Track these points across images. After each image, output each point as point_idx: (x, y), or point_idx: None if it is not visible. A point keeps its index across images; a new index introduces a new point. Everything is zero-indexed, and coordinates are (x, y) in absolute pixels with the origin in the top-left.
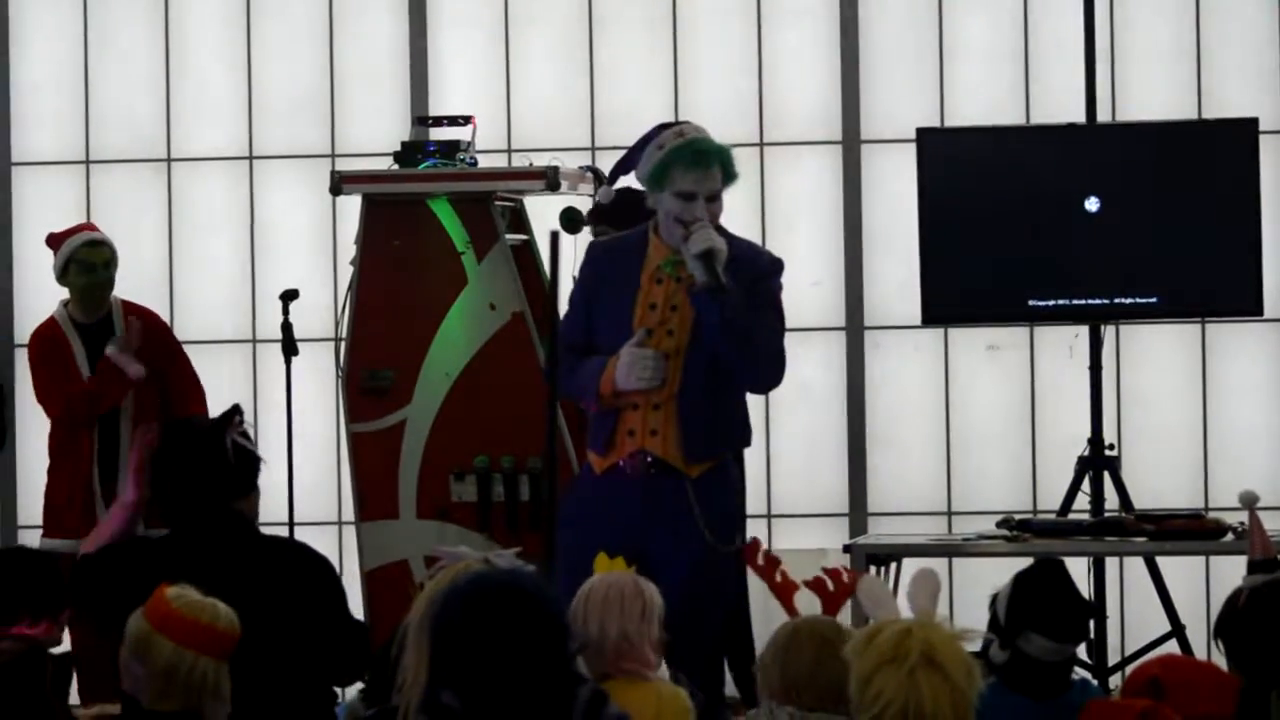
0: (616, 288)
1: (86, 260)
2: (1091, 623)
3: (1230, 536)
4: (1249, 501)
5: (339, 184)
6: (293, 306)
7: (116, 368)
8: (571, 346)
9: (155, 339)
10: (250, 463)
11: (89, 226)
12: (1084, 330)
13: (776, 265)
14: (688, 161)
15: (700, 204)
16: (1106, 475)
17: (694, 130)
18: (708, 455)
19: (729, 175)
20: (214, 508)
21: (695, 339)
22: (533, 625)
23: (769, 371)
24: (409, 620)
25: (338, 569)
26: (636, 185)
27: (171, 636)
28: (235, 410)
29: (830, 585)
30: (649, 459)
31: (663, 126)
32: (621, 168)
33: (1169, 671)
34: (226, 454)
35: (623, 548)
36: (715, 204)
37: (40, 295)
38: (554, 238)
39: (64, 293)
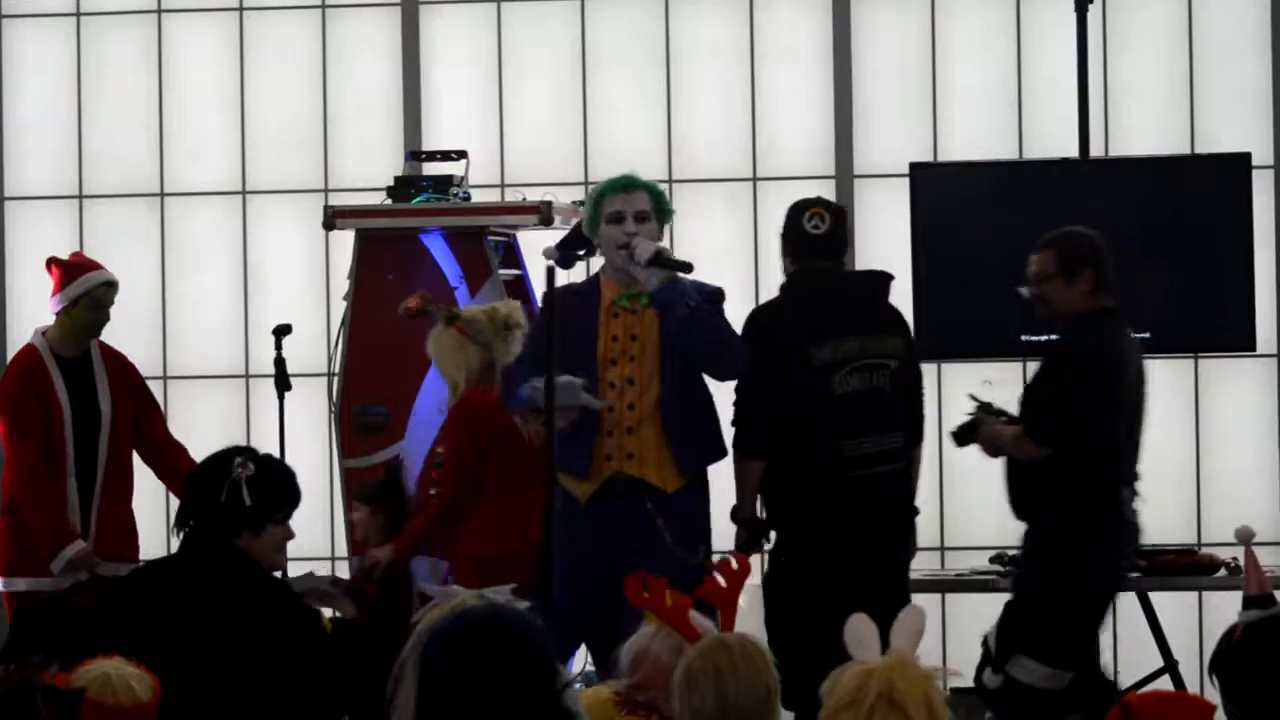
0: (577, 327)
1: (101, 300)
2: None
3: (1223, 572)
4: (1245, 537)
5: (332, 219)
6: (286, 341)
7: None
8: (529, 368)
9: (130, 375)
10: (255, 504)
11: (92, 263)
12: None
13: (720, 294)
14: (612, 188)
15: (630, 223)
16: None
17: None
18: (693, 467)
19: (662, 208)
20: (211, 542)
21: (666, 360)
22: (517, 661)
23: (732, 356)
24: (403, 659)
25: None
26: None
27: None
28: (239, 451)
29: (721, 581)
30: (626, 481)
31: None
32: (575, 242)
33: (1142, 701)
34: (220, 491)
35: (610, 575)
36: (647, 225)
37: (34, 330)
38: (550, 272)
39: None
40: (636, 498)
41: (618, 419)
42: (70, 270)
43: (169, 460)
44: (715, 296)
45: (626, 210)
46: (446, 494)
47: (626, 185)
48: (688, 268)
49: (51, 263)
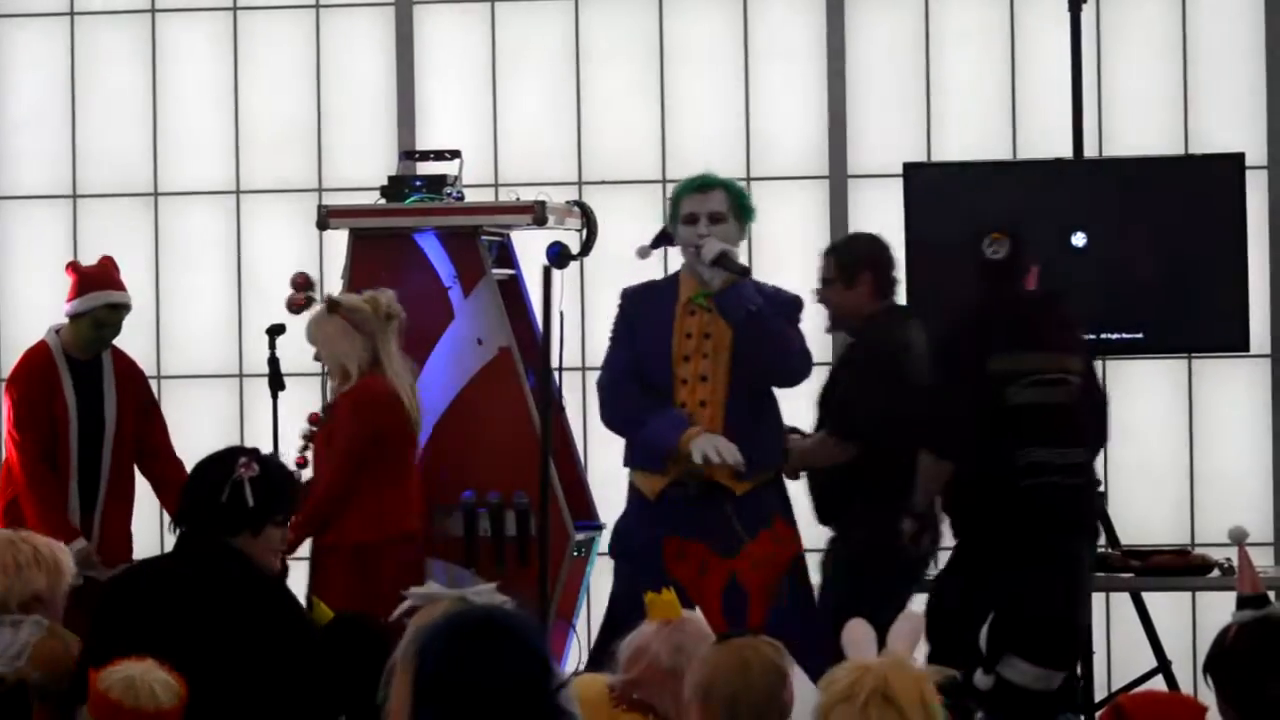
0: (652, 324)
1: (103, 321)
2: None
3: (1216, 573)
4: (1238, 538)
5: (326, 218)
6: (279, 341)
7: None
8: (628, 374)
9: (139, 385)
10: (258, 505)
11: (105, 280)
12: None
13: (798, 303)
14: (688, 189)
15: (704, 224)
16: None
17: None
18: (752, 473)
19: (741, 207)
20: (208, 542)
21: (735, 363)
22: (513, 660)
23: (797, 363)
24: (395, 659)
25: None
26: None
27: None
28: (243, 451)
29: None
30: (696, 479)
31: None
32: (664, 237)
33: (1134, 702)
34: (222, 490)
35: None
36: (722, 225)
37: (27, 329)
38: (546, 273)
39: (51, 318)
40: (710, 497)
41: (689, 415)
42: (82, 283)
43: (169, 474)
44: (793, 304)
45: (700, 211)
46: (339, 480)
47: (701, 186)
48: (744, 272)
49: (71, 267)
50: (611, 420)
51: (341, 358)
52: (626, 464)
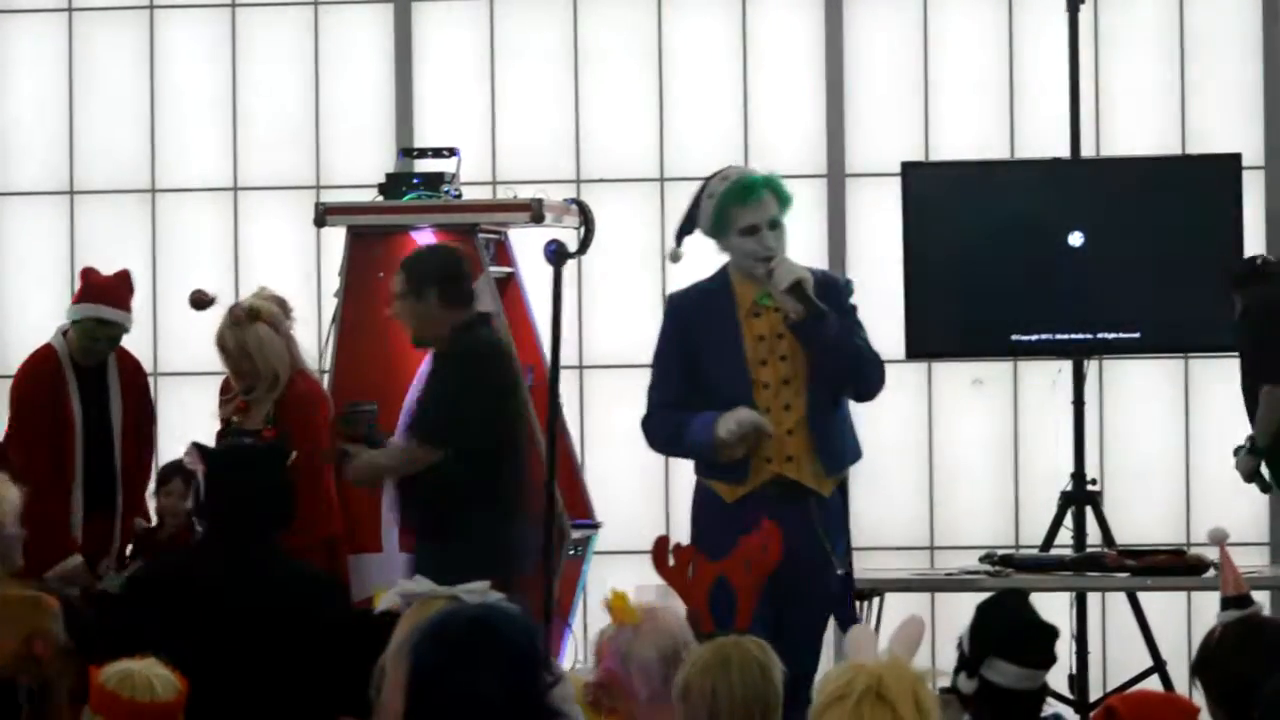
0: (714, 333)
1: (94, 334)
2: (1074, 656)
3: (1211, 572)
4: (1218, 538)
5: (323, 215)
6: None
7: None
8: (667, 404)
9: (141, 391)
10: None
11: (118, 289)
12: (1067, 365)
13: (849, 286)
14: (738, 198)
15: (766, 234)
16: (1089, 510)
17: (736, 171)
18: (841, 469)
19: (783, 200)
20: (261, 536)
21: (813, 362)
22: (510, 661)
23: (874, 378)
24: (384, 658)
25: None
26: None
27: (107, 716)
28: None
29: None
30: (783, 484)
31: (710, 178)
32: (685, 228)
33: (1126, 703)
34: (290, 488)
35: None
36: (779, 230)
37: (24, 325)
38: (556, 273)
39: (54, 319)
40: (798, 502)
41: (775, 420)
42: (83, 291)
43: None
44: (848, 288)
45: (760, 222)
46: (332, 481)
47: (754, 199)
48: (820, 313)
49: (83, 272)
50: (655, 448)
51: (276, 362)
52: (698, 474)
